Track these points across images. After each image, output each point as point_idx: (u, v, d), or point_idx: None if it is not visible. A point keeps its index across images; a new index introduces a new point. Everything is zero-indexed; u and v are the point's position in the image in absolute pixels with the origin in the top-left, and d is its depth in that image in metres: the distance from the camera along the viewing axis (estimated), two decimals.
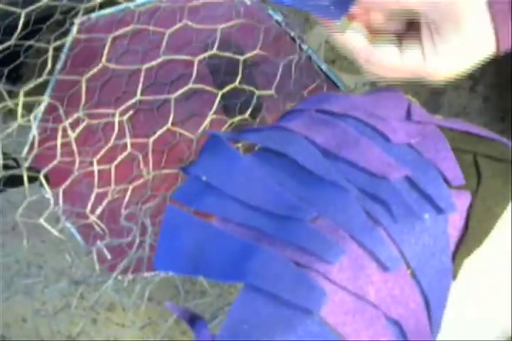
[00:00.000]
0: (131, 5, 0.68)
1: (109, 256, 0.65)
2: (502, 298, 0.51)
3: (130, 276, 0.67)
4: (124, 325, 0.75)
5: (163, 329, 0.73)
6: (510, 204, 0.50)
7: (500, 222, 0.50)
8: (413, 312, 0.46)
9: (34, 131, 0.61)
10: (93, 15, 0.69)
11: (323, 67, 0.77)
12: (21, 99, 0.53)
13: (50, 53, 0.54)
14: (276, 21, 0.74)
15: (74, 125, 0.59)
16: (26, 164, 0.57)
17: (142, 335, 0.75)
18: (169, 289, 0.78)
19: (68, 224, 0.66)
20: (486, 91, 0.82)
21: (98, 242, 0.63)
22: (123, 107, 0.57)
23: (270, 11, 0.73)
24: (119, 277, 0.66)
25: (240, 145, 0.57)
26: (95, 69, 0.55)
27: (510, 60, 0.81)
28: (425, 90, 0.83)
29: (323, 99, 0.53)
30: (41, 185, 0.61)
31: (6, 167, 0.67)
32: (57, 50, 0.65)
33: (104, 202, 0.58)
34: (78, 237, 0.68)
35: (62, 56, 0.67)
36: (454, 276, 0.48)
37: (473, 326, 0.51)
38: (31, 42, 0.59)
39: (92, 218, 0.59)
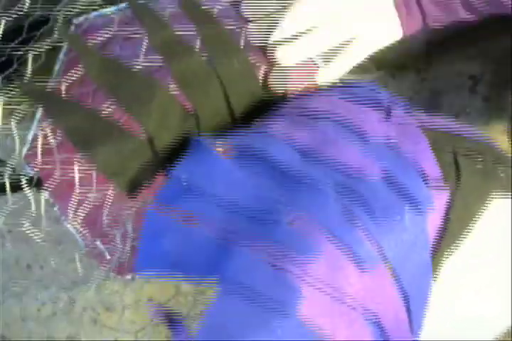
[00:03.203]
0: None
1: (108, 256, 0.66)
2: (502, 297, 0.51)
3: (128, 276, 0.67)
4: (123, 326, 0.76)
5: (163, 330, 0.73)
6: (505, 202, 0.50)
7: (501, 221, 0.50)
8: (393, 310, 0.46)
9: (30, 137, 0.61)
10: (92, 14, 0.69)
11: None
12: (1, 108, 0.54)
13: (30, 61, 0.55)
14: None
15: None
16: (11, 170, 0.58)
17: (142, 335, 0.75)
18: (170, 289, 0.78)
19: (68, 224, 0.67)
20: (486, 91, 0.82)
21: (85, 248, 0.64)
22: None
23: None
24: (119, 277, 0.66)
25: (220, 148, 0.57)
26: (75, 76, 0.56)
27: (510, 60, 0.81)
28: (425, 90, 0.83)
29: (305, 100, 0.54)
30: (38, 189, 0.61)
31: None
32: (54, 53, 0.65)
33: (86, 207, 0.58)
34: (77, 237, 0.68)
35: (59, 61, 0.67)
36: (435, 275, 0.48)
37: (473, 326, 0.51)
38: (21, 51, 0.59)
39: (73, 223, 0.59)
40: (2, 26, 0.55)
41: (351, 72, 0.84)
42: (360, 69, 0.84)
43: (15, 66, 0.65)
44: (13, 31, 0.65)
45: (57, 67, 0.67)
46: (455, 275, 0.50)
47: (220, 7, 0.60)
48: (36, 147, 0.62)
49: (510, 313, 0.51)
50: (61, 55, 0.68)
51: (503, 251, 0.51)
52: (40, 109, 0.65)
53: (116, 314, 0.75)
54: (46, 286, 0.74)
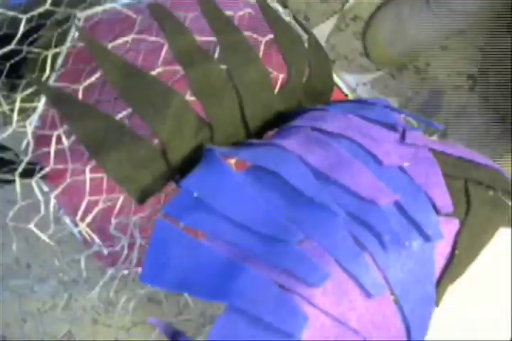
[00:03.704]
0: (134, 1, 0.67)
1: (105, 252, 0.65)
2: (502, 298, 0.51)
3: (125, 272, 0.67)
4: (124, 326, 0.76)
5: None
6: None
7: (501, 234, 0.50)
8: (394, 339, 0.46)
9: (31, 130, 0.61)
10: (98, 8, 0.67)
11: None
12: (18, 105, 0.53)
13: (49, 59, 0.54)
14: None
15: None
16: (25, 159, 0.57)
17: (142, 335, 0.76)
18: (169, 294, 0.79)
19: (68, 222, 0.66)
20: (486, 91, 0.82)
21: (89, 249, 0.63)
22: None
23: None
24: (113, 272, 0.66)
25: (233, 161, 0.57)
26: (93, 78, 0.55)
27: (510, 60, 0.81)
28: (425, 90, 0.83)
29: (320, 116, 0.54)
30: (38, 186, 0.61)
31: (5, 161, 0.68)
32: (60, 45, 0.64)
33: (95, 211, 0.57)
34: (77, 236, 0.68)
35: (63, 53, 0.66)
36: (437, 303, 0.48)
37: (473, 326, 0.51)
38: (28, 48, 0.59)
39: (82, 226, 0.59)
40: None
41: (351, 72, 0.84)
42: (360, 69, 0.84)
43: (16, 60, 0.65)
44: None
45: (59, 61, 0.66)
46: (456, 286, 0.50)
47: (241, 14, 0.60)
48: (37, 140, 0.62)
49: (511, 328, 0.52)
50: (66, 46, 0.66)
51: (504, 269, 0.51)
52: (41, 106, 0.64)
53: (117, 314, 0.76)
54: (46, 285, 0.74)
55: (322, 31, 0.82)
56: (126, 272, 0.67)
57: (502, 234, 0.50)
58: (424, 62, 0.83)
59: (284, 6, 0.65)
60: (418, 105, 0.83)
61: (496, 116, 0.82)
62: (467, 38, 0.80)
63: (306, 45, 0.60)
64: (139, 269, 0.65)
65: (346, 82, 0.80)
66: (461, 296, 0.50)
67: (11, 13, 0.59)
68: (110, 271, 0.64)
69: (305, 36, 0.64)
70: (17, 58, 0.65)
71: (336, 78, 0.78)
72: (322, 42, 0.83)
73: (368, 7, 0.81)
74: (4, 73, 0.66)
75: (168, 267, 0.47)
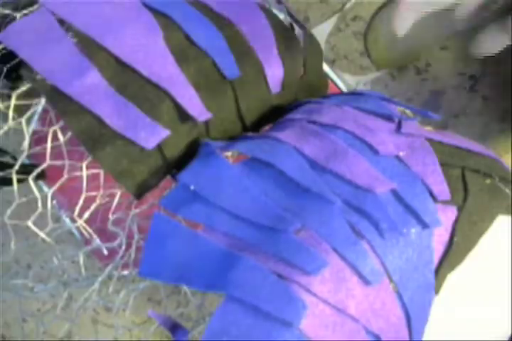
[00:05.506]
0: None
1: (105, 252, 0.65)
2: (502, 298, 0.51)
3: (125, 272, 0.67)
4: (123, 325, 0.76)
5: (163, 330, 0.74)
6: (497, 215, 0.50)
7: (499, 223, 0.50)
8: (394, 327, 0.46)
9: (30, 130, 0.61)
10: None
11: (323, 67, 0.77)
12: (13, 102, 0.53)
13: None
14: None
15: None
16: (22, 160, 0.57)
17: (142, 335, 0.76)
18: (168, 289, 0.79)
19: (67, 220, 0.66)
20: (486, 92, 0.82)
21: (88, 246, 0.64)
22: None
23: (274, 10, 0.73)
24: (114, 272, 0.66)
25: (229, 153, 0.57)
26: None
27: (510, 60, 0.81)
28: (425, 90, 0.83)
29: (315, 109, 0.54)
30: (36, 183, 0.61)
31: (3, 164, 0.68)
32: None
33: (92, 207, 0.58)
34: (76, 234, 0.68)
35: None
36: (437, 291, 0.48)
37: (473, 326, 0.51)
38: None
39: (80, 222, 0.59)
40: None
41: (351, 72, 0.84)
42: (360, 69, 0.84)
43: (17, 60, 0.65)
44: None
45: None
46: (454, 278, 0.50)
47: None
48: (36, 142, 0.62)
49: (511, 320, 0.51)
50: None
51: (503, 258, 0.51)
52: (41, 104, 0.65)
53: (116, 314, 0.76)
54: (46, 283, 0.74)
55: (322, 31, 0.82)
56: (125, 273, 0.67)
57: (501, 222, 0.50)
58: (425, 63, 0.83)
59: (279, 1, 0.65)
60: (418, 105, 0.83)
61: (496, 116, 0.82)
62: (468, 38, 0.80)
63: (301, 40, 0.60)
64: (137, 270, 0.65)
65: (346, 82, 0.80)
66: (460, 287, 0.50)
67: (6, 11, 0.59)
68: (108, 268, 0.64)
69: (300, 32, 0.64)
70: (17, 58, 0.65)
71: (335, 78, 0.78)
72: (322, 42, 0.83)
73: (368, 7, 0.82)
74: (4, 72, 0.66)
75: (167, 260, 0.47)
